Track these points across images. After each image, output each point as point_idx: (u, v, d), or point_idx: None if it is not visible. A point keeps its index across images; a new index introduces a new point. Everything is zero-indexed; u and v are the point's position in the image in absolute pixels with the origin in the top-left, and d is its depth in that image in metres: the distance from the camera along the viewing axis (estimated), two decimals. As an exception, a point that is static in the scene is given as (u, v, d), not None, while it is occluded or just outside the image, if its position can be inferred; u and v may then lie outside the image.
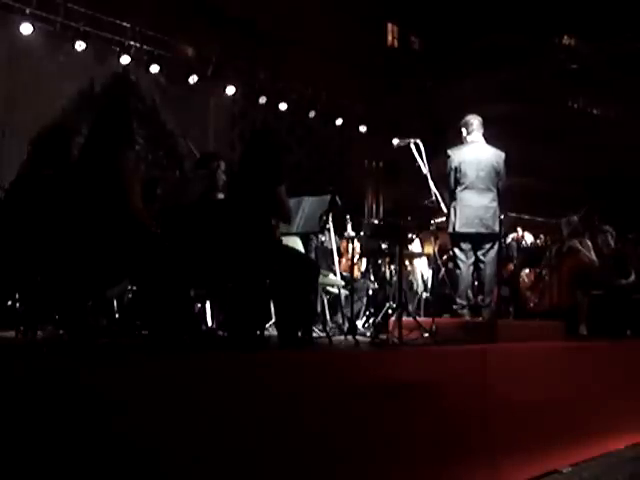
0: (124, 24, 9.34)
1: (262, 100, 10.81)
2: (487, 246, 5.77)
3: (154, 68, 9.65)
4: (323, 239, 6.65)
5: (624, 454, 5.26)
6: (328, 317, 6.25)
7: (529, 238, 8.86)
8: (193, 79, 10.06)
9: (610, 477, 4.62)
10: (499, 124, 5.97)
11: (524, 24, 14.66)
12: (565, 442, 4.75)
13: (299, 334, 4.00)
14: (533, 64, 14.06)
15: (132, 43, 9.39)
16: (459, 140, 6.01)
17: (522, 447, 4.30)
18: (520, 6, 14.34)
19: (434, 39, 15.01)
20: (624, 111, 18.38)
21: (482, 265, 5.80)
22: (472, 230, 5.68)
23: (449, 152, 5.88)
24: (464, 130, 5.95)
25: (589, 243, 7.49)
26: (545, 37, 15.34)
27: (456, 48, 14.50)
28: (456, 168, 5.77)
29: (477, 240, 5.75)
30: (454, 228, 5.75)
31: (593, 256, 7.41)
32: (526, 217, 7.13)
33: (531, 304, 7.46)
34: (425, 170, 5.61)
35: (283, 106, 11.02)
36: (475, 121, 5.92)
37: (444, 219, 5.89)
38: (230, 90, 10.55)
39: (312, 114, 11.41)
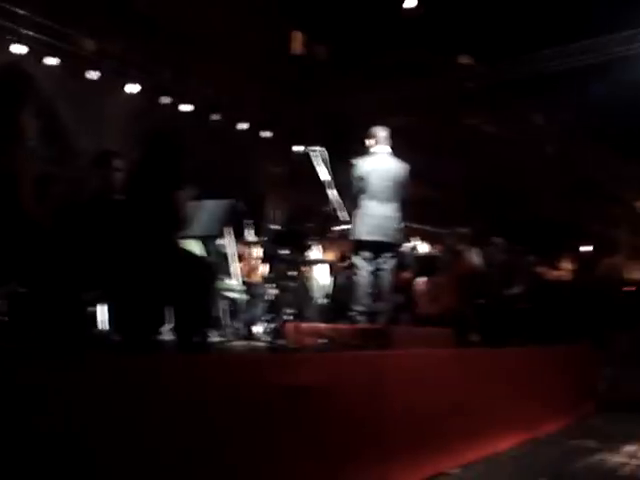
0: (20, 12, 8.92)
1: (165, 100, 10.62)
2: (387, 255, 5.91)
3: (52, 60, 9.27)
4: (223, 243, 6.59)
5: (508, 454, 5.54)
6: (227, 322, 6.20)
7: (425, 247, 9.16)
8: (93, 74, 9.74)
9: (492, 476, 4.85)
10: (399, 136, 6.14)
11: (427, 42, 15.16)
12: (455, 444, 4.93)
13: (196, 338, 3.95)
14: (433, 81, 14.58)
15: (29, 33, 8.98)
16: (363, 150, 6.13)
17: (414, 450, 4.43)
18: (423, 24, 14.83)
19: (340, 49, 15.25)
20: (516, 131, 19.37)
21: (381, 273, 5.94)
22: (374, 238, 5.81)
23: (355, 161, 5.98)
24: (371, 141, 6.07)
25: (476, 251, 7.85)
26: (445, 55, 15.92)
27: (361, 60, 14.79)
28: (361, 177, 5.88)
29: (378, 248, 5.88)
30: (356, 236, 5.85)
31: (478, 261, 7.76)
32: (423, 227, 7.38)
33: (424, 311, 7.71)
34: (326, 178, 5.69)
35: (187, 108, 10.87)
36: (382, 133, 6.06)
37: (345, 227, 5.99)
38: (132, 88, 10.30)
39: (216, 117, 11.31)
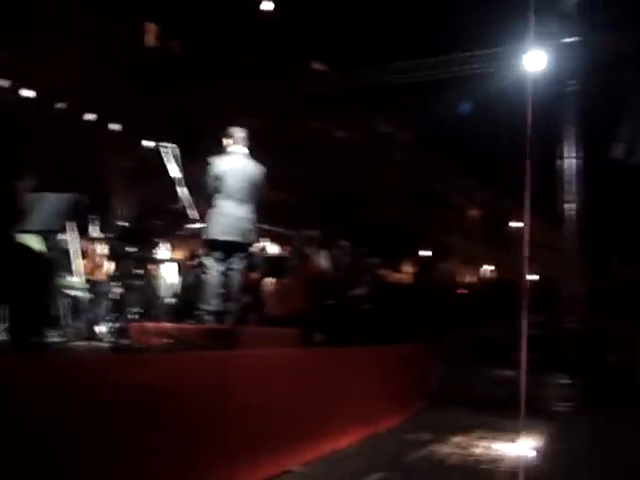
0: None
1: (2, 83, 9.91)
2: (239, 255, 5.92)
3: None
4: (64, 239, 6.27)
5: (349, 450, 5.75)
6: (67, 321, 5.90)
7: (274, 248, 9.27)
8: None
9: (333, 472, 5.01)
10: (254, 138, 6.17)
11: (283, 46, 15.37)
12: (299, 442, 5.03)
13: (33, 338, 3.73)
14: (286, 84, 14.80)
15: None
16: (218, 149, 6.08)
17: (259, 449, 4.46)
18: (280, 29, 15.01)
19: (196, 47, 15.05)
20: (366, 138, 20.15)
21: (232, 273, 5.92)
22: (228, 238, 5.78)
23: (211, 160, 5.92)
24: (228, 140, 6.03)
25: (324, 253, 8.09)
26: (300, 60, 16.21)
27: (217, 59, 14.70)
28: (217, 177, 5.82)
29: (231, 249, 5.86)
30: (210, 235, 5.80)
31: (325, 263, 8.00)
32: (273, 229, 7.46)
33: (272, 311, 7.80)
34: (176, 175, 5.59)
35: (28, 93, 10.21)
36: (240, 133, 6.05)
37: (197, 225, 5.92)
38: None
39: (62, 106, 10.73)
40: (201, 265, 6.63)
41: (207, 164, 5.87)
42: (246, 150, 6.03)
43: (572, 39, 11.53)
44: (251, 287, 8.26)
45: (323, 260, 8.06)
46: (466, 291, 18.54)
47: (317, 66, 17.23)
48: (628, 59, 11.59)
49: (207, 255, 5.95)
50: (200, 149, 6.58)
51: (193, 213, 5.82)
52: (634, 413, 7.53)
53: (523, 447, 6.08)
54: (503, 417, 6.84)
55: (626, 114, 11.99)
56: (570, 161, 11.77)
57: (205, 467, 3.87)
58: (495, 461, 5.65)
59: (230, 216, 5.78)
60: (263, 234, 8.58)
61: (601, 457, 5.87)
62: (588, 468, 5.45)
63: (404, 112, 18.05)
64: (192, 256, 7.58)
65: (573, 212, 11.73)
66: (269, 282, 8.25)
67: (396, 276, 14.39)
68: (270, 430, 4.63)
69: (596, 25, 11.46)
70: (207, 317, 5.83)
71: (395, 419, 7.22)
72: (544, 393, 9.07)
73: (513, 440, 6.25)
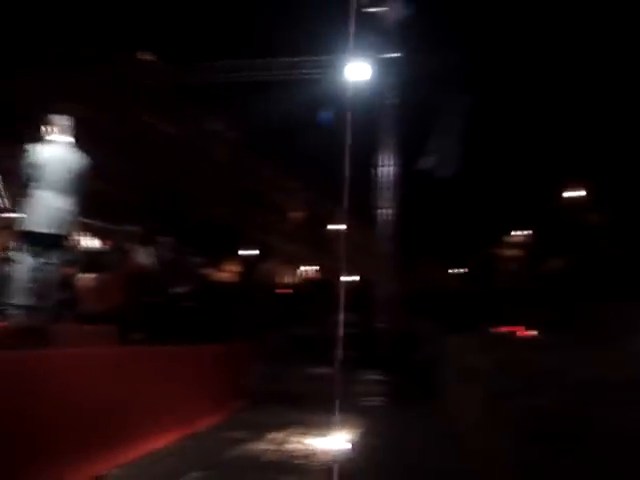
0: None
1: None
2: (56, 248, 5.60)
3: None
4: None
5: (168, 450, 5.69)
6: None
7: (94, 243, 8.89)
8: None
9: (150, 472, 4.93)
10: (75, 126, 5.87)
11: (106, 33, 14.75)
12: (116, 444, 4.88)
13: None
14: (111, 73, 14.21)
15: None
16: (37, 135, 5.71)
17: (72, 453, 4.26)
18: (102, 15, 14.43)
19: (15, 27, 13.96)
20: (193, 135, 19.91)
21: (47, 267, 5.59)
22: (45, 230, 5.45)
23: (29, 147, 5.54)
24: (50, 128, 5.69)
25: (145, 249, 7.91)
26: (127, 49, 15.66)
27: (29, 40, 13.73)
28: (35, 165, 5.47)
29: (47, 241, 5.53)
30: (26, 226, 5.43)
31: (147, 259, 7.84)
32: (93, 222, 7.15)
33: (89, 308, 7.48)
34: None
35: None
36: (63, 121, 5.74)
37: (8, 215, 5.52)
38: None
39: None
40: (10, 257, 6.17)
41: (24, 151, 5.49)
42: (70, 139, 5.74)
43: (392, 55, 12.23)
44: (67, 282, 7.85)
45: (144, 256, 7.87)
46: (291, 290, 18.96)
47: (145, 57, 16.70)
48: (438, 79, 12.58)
49: (19, 247, 5.57)
50: (18, 135, 6.12)
51: (4, 202, 5.42)
52: (438, 407, 8.17)
53: (336, 441, 6.39)
54: (319, 413, 7.11)
55: (435, 130, 13.01)
56: (385, 169, 12.49)
57: (6, 474, 3.63)
58: (309, 456, 5.87)
59: (48, 207, 5.47)
60: (82, 227, 8.20)
61: (408, 449, 6.29)
62: (397, 461, 5.82)
63: (233, 111, 18.10)
64: (3, 248, 7.02)
65: (387, 217, 12.44)
66: (87, 277, 7.90)
67: (219, 275, 14.37)
68: (84, 432, 4.45)
69: (413, 44, 12.31)
70: (15, 313, 5.45)
71: (214, 418, 7.24)
72: (358, 389, 9.54)
73: (327, 435, 6.55)
